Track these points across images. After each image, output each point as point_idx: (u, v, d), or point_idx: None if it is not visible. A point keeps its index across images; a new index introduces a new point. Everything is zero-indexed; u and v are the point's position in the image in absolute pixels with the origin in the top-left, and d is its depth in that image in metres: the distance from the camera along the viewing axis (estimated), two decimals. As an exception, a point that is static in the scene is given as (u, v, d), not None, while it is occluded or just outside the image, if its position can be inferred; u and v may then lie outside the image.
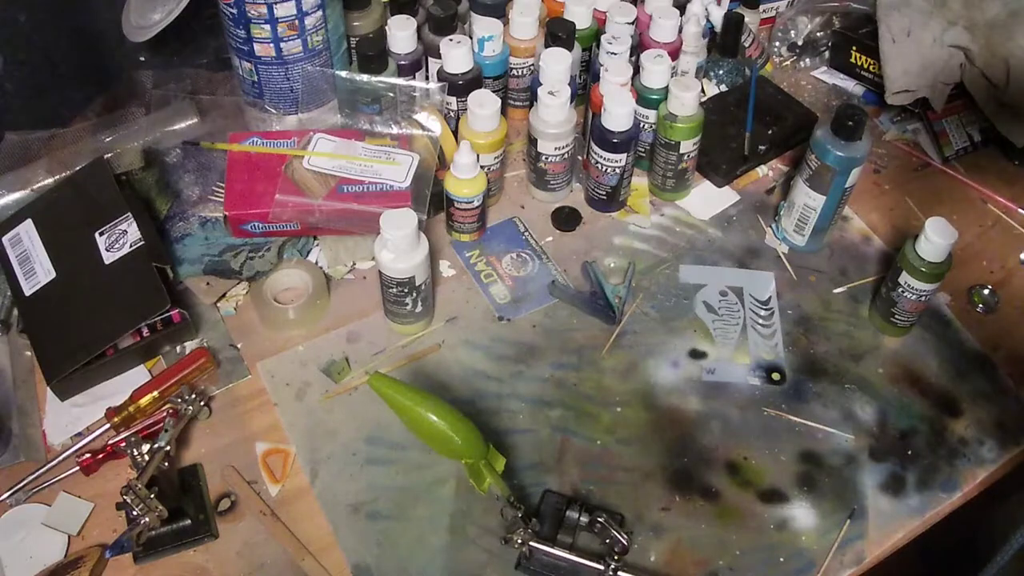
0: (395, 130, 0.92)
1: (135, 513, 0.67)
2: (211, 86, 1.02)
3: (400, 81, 0.92)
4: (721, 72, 1.08)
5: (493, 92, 0.90)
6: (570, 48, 0.95)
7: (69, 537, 0.73)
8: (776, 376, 0.85)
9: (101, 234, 0.84)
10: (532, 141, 0.93)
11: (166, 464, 0.70)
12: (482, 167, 0.89)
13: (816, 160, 0.86)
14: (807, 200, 0.89)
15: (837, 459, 0.79)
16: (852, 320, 0.89)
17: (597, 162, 0.92)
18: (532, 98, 0.93)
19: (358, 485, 0.76)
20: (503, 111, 0.93)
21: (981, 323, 0.90)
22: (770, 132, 1.02)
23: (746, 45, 1.07)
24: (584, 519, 0.72)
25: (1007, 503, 0.84)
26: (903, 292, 0.83)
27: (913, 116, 1.07)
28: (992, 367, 0.86)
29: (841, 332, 0.88)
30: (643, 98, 0.93)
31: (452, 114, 0.96)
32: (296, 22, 0.86)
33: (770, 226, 0.96)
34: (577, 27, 0.97)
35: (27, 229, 0.86)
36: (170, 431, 0.72)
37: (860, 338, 0.88)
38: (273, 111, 0.93)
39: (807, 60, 1.15)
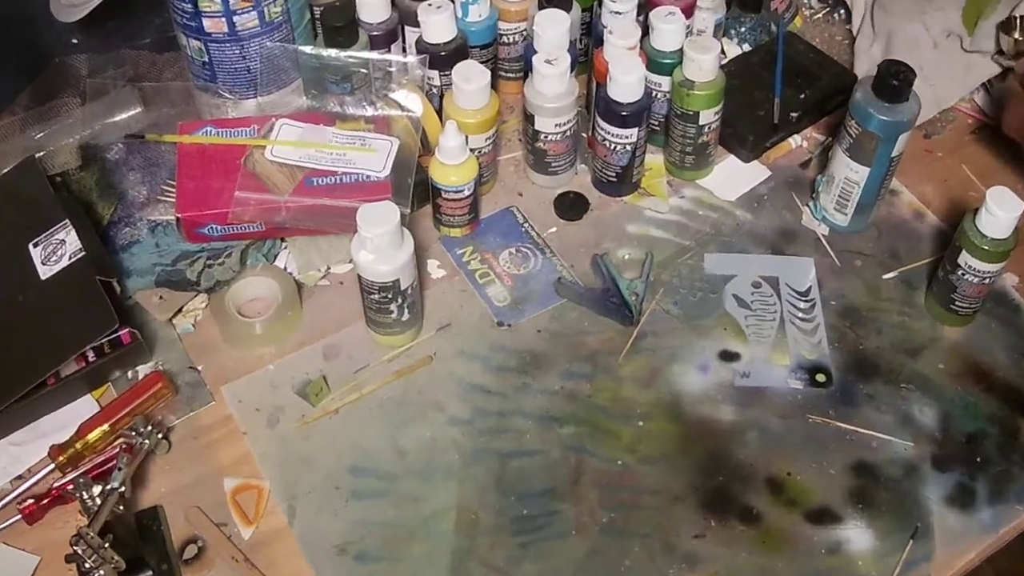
0: (370, 112, 0.92)
1: (88, 566, 0.67)
2: (155, 70, 1.03)
3: (373, 55, 0.93)
4: (743, 29, 1.08)
5: (481, 63, 0.91)
6: (568, 9, 0.95)
7: (12, 596, 0.73)
8: (821, 378, 0.85)
9: (35, 245, 0.84)
10: (528, 118, 0.93)
11: (121, 508, 0.70)
12: (472, 150, 0.89)
13: (857, 127, 0.86)
14: (848, 173, 0.89)
15: (895, 470, 0.80)
16: (906, 309, 0.89)
17: (604, 139, 0.92)
18: (526, 68, 0.93)
19: (343, 523, 0.76)
20: (493, 85, 0.93)
21: (1055, 307, 0.90)
22: (802, 96, 1.02)
23: (771, -3, 1.08)
24: None
25: None
26: (963, 275, 0.83)
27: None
28: (1070, 357, 0.87)
29: (894, 324, 0.88)
30: (654, 63, 0.94)
31: (435, 91, 0.96)
32: (250, -9, 0.86)
33: (807, 205, 0.97)
34: (575, -16, 0.97)
35: (-50, 243, 0.87)
36: (124, 469, 0.72)
37: (916, 330, 0.88)
38: (228, 96, 0.93)
39: (841, 12, 1.15)
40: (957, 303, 0.86)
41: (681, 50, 0.91)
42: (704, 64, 0.89)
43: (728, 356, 0.86)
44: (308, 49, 0.92)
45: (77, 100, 0.99)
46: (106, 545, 0.68)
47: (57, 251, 0.83)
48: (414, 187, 0.89)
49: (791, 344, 0.87)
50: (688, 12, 0.98)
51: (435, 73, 0.95)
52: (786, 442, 0.81)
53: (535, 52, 0.91)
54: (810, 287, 0.91)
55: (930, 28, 1.00)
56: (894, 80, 0.83)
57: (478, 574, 0.74)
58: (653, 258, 0.92)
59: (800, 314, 0.89)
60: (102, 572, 0.67)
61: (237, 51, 0.90)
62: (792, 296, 0.90)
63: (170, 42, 0.98)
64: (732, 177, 1.00)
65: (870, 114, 0.85)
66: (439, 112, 0.94)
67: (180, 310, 0.88)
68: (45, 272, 0.83)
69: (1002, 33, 0.98)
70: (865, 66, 1.04)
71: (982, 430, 0.82)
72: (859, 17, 1.09)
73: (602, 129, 0.92)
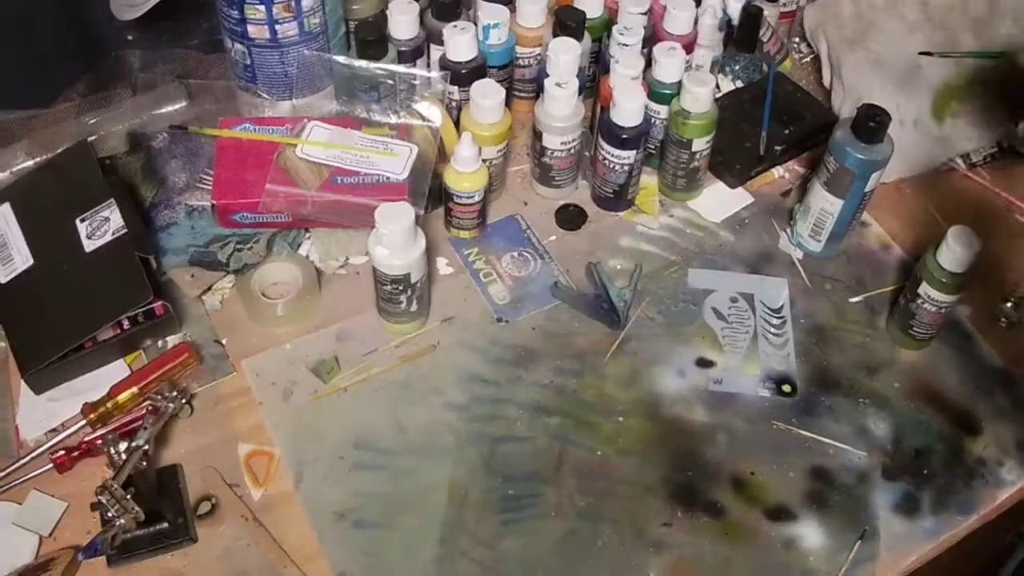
0: (394, 119, 0.92)
1: (110, 514, 0.67)
2: (202, 69, 1.03)
3: (400, 68, 0.92)
4: (737, 67, 1.08)
5: (497, 82, 0.91)
6: (579, 38, 0.95)
7: (40, 538, 0.73)
8: (787, 388, 0.85)
9: (82, 220, 0.84)
10: (537, 135, 0.93)
11: (144, 464, 0.70)
12: (484, 161, 0.89)
13: (835, 162, 0.86)
14: (824, 204, 0.89)
15: (849, 477, 0.80)
16: (868, 332, 0.89)
17: (605, 158, 0.92)
18: (538, 90, 0.93)
19: (345, 491, 0.76)
20: (507, 102, 0.93)
21: (1004, 338, 0.90)
22: (787, 132, 1.02)
23: (764, 40, 1.07)
24: None
25: None
26: (922, 304, 0.83)
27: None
28: (1014, 384, 0.86)
29: (856, 344, 0.88)
30: (655, 92, 0.94)
31: (454, 104, 0.96)
32: (292, 3, 0.86)
33: (785, 230, 0.97)
34: (587, 16, 0.97)
35: (5, 213, 0.86)
36: (149, 429, 0.72)
37: (876, 351, 0.88)
38: (266, 96, 0.93)
39: (828, 57, 1.15)
40: (915, 329, 0.86)
41: (680, 82, 0.91)
42: (700, 96, 0.89)
43: (704, 363, 0.86)
44: (341, 59, 0.92)
45: (129, 91, 0.99)
46: (128, 496, 0.68)
47: (101, 227, 0.83)
48: (429, 190, 0.89)
49: (762, 356, 0.87)
50: (688, 48, 0.98)
51: (455, 88, 0.95)
52: (751, 444, 0.81)
53: (547, 75, 0.91)
54: (782, 305, 0.91)
55: (900, 108, 1.00)
56: (871, 122, 0.83)
57: (465, 546, 0.74)
58: (642, 269, 0.92)
59: (772, 329, 0.89)
60: (123, 521, 0.67)
61: (277, 56, 0.90)
62: (765, 312, 0.90)
63: (216, 44, 0.98)
64: (718, 201, 0.99)
65: (847, 152, 0.85)
66: (456, 124, 0.94)
67: (209, 288, 0.88)
68: (89, 245, 0.83)
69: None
70: (845, 113, 1.04)
71: (930, 445, 0.82)
72: (828, 74, 1.09)
73: (603, 149, 0.92)
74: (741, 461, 0.80)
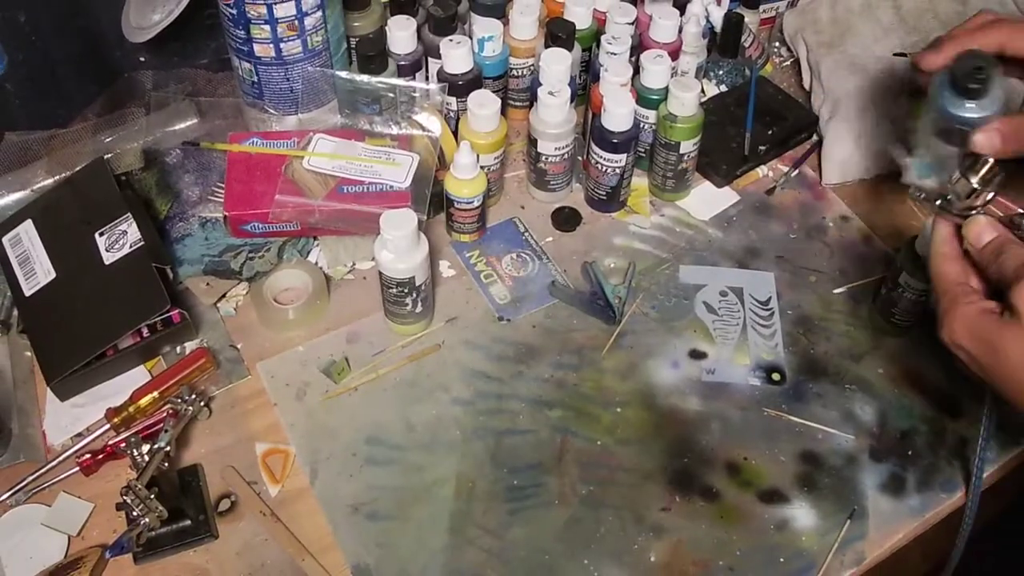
0: (395, 130, 0.92)
1: (135, 513, 0.67)
2: (211, 87, 1.03)
3: (400, 81, 0.93)
4: (721, 72, 1.08)
5: (493, 92, 0.91)
6: (570, 48, 0.95)
7: (69, 537, 0.73)
8: (776, 376, 0.85)
9: (101, 234, 0.84)
10: (532, 141, 0.93)
11: (166, 464, 0.71)
12: (482, 167, 0.89)
13: (943, 121, 0.69)
14: (944, 151, 0.71)
15: (837, 459, 0.79)
16: (852, 320, 0.89)
17: (597, 162, 0.92)
18: (532, 98, 0.93)
19: (358, 485, 0.76)
20: (503, 111, 0.93)
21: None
22: (770, 132, 1.02)
23: (746, 45, 1.07)
24: None
25: None
26: (903, 292, 0.83)
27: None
28: (992, 367, 0.86)
29: (841, 332, 0.88)
30: (643, 98, 0.94)
31: (452, 114, 0.96)
32: (296, 22, 0.86)
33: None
34: (577, 27, 0.97)
35: (27, 229, 0.87)
36: (170, 431, 0.72)
37: (860, 338, 0.88)
38: (273, 112, 0.93)
39: (807, 60, 1.15)
40: (896, 317, 0.86)
41: (666, 88, 0.91)
42: (686, 101, 0.89)
43: (697, 355, 0.86)
44: (344, 74, 0.92)
45: (142, 110, 0.99)
46: (152, 496, 0.68)
47: (119, 240, 0.83)
48: (431, 197, 0.89)
49: (751, 346, 0.87)
50: (674, 55, 0.98)
51: (453, 99, 0.95)
52: (744, 431, 0.81)
53: (540, 84, 0.91)
54: (770, 297, 0.91)
55: (876, 107, 0.99)
56: (974, 79, 0.67)
57: (473, 535, 0.74)
58: (635, 267, 0.92)
59: (760, 321, 0.89)
60: (147, 520, 0.67)
61: (282, 73, 0.90)
62: (754, 305, 0.90)
63: (224, 63, 0.98)
64: (706, 200, 0.99)
65: (952, 113, 0.69)
66: (455, 133, 0.94)
67: (224, 296, 0.88)
68: (108, 258, 0.83)
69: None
70: (824, 114, 1.04)
71: (914, 427, 0.82)
72: (807, 77, 1.10)
73: (595, 153, 0.92)
74: (734, 447, 0.80)
